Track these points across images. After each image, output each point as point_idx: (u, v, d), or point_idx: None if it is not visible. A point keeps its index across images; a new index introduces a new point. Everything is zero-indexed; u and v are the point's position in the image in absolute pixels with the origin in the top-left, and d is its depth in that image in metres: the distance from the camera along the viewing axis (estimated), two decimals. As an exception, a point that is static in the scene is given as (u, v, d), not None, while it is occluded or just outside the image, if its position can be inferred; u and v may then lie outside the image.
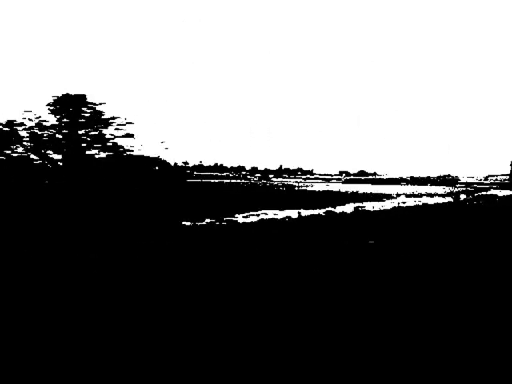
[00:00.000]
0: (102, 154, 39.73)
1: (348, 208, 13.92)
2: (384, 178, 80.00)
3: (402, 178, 68.23)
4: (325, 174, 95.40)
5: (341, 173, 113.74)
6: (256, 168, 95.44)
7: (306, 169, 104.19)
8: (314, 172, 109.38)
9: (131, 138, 37.62)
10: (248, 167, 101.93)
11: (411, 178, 68.26)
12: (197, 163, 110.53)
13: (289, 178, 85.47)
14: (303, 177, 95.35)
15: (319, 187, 43.38)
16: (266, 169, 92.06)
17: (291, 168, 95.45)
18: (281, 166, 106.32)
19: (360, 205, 15.69)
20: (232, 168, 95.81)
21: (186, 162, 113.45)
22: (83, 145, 36.94)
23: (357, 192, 29.32)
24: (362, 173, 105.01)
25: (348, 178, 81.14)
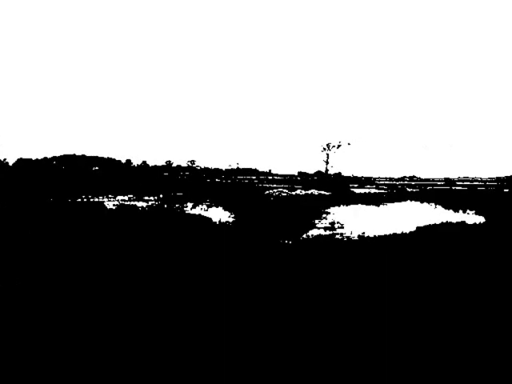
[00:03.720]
0: None
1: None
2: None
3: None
4: (276, 175, 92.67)
5: (299, 173, 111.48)
6: (208, 168, 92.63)
7: (261, 169, 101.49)
8: (271, 172, 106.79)
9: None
10: (203, 166, 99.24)
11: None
12: (162, 163, 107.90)
13: (235, 178, 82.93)
14: (253, 177, 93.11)
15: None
16: (215, 168, 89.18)
17: (244, 167, 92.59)
18: (238, 166, 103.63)
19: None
20: (182, 167, 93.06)
21: (129, 161, 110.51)
22: None
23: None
24: (318, 173, 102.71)
25: (270, 177, 78.82)
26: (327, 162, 56.24)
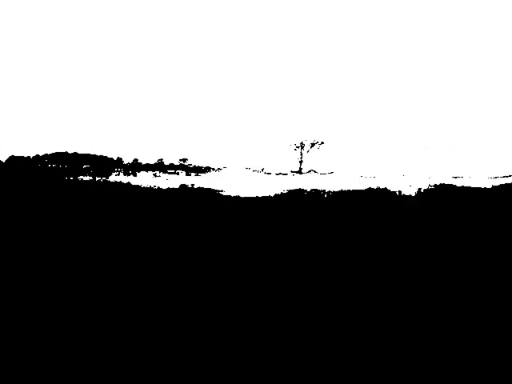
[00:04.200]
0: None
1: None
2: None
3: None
4: (269, 174, 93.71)
5: (292, 172, 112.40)
6: (200, 166, 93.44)
7: (254, 168, 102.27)
8: (265, 171, 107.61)
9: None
10: (195, 165, 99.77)
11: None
12: (146, 160, 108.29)
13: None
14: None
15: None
16: (207, 167, 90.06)
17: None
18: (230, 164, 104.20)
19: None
20: (175, 166, 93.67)
21: (120, 159, 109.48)
22: None
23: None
24: (312, 171, 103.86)
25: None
26: (301, 161, 55.63)
